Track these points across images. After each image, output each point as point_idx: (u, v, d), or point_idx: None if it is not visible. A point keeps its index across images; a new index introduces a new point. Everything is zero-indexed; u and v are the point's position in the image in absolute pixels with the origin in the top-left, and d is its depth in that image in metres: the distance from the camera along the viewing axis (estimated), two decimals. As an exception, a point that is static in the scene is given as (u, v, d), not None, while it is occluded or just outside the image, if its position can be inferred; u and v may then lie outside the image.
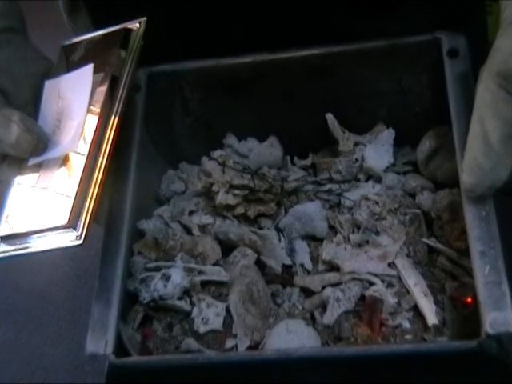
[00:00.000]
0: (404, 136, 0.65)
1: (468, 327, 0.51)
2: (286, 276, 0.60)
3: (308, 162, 0.68)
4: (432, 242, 0.57)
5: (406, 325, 0.54)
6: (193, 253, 0.61)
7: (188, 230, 0.64)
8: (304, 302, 0.58)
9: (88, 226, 0.52)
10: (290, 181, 0.65)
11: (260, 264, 0.60)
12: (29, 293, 1.73)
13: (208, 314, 0.57)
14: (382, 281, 0.56)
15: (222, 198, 0.62)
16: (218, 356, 0.53)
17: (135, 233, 0.62)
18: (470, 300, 0.52)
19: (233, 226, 0.62)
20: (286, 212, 0.64)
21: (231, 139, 0.68)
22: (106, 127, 0.56)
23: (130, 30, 0.60)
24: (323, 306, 0.57)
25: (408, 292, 0.55)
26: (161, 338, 0.57)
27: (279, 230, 0.62)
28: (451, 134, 0.55)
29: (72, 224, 0.52)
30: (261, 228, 0.63)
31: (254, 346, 0.55)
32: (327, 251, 0.59)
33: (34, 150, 0.55)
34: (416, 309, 0.54)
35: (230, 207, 0.63)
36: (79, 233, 0.52)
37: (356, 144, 0.65)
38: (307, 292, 0.59)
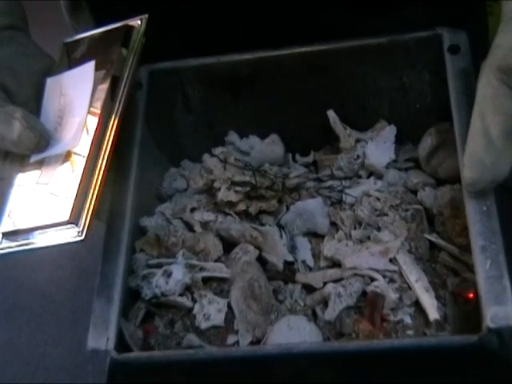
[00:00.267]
0: (405, 133, 0.65)
1: (469, 323, 0.51)
2: (288, 272, 0.60)
3: (309, 159, 0.68)
4: (433, 237, 0.57)
5: (408, 320, 0.54)
6: (194, 249, 0.61)
7: (190, 227, 0.64)
8: (306, 299, 0.58)
9: (89, 222, 0.52)
10: (292, 177, 0.65)
11: (262, 261, 0.60)
12: (29, 292, 1.72)
13: (209, 310, 0.57)
14: (384, 276, 0.56)
15: (224, 194, 0.62)
16: (220, 351, 0.53)
17: (137, 230, 0.62)
18: (471, 296, 0.52)
19: (234, 222, 0.62)
20: (287, 209, 0.64)
21: (233, 136, 0.68)
22: (107, 124, 0.56)
23: (131, 27, 0.61)
24: (325, 302, 0.57)
25: (409, 287, 0.55)
26: (162, 335, 0.57)
27: (281, 227, 0.63)
28: (452, 130, 0.55)
29: (74, 220, 0.52)
30: (262, 225, 0.63)
31: (256, 342, 0.55)
32: (329, 247, 0.59)
33: (36, 147, 0.55)
34: (417, 304, 0.54)
35: (231, 204, 0.63)
36: (81, 229, 0.52)
37: (357, 141, 0.66)
38: (309, 288, 0.59)
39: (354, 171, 0.65)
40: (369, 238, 0.59)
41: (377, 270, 0.56)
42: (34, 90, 0.58)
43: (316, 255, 0.61)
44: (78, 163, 0.54)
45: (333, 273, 0.58)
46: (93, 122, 0.55)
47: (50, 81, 0.59)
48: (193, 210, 0.65)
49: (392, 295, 0.54)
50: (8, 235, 0.54)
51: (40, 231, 0.53)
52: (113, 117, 0.56)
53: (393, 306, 0.54)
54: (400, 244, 0.57)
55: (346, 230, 0.60)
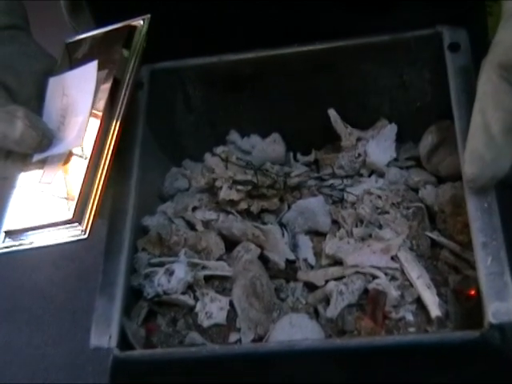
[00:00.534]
0: (406, 131, 0.65)
1: (471, 320, 0.51)
2: (290, 271, 0.60)
3: (311, 158, 0.68)
4: (435, 235, 0.58)
5: (410, 317, 0.54)
6: (196, 248, 0.61)
7: (191, 226, 0.64)
8: (307, 297, 0.59)
9: (93, 220, 0.52)
10: (293, 176, 0.65)
11: (263, 259, 0.61)
12: (29, 293, 1.73)
13: (212, 309, 0.57)
14: (385, 274, 0.56)
15: (226, 193, 0.63)
16: (222, 349, 0.54)
17: (139, 229, 0.62)
18: (473, 293, 0.53)
19: (236, 221, 0.62)
20: (288, 207, 0.64)
21: (234, 136, 0.68)
22: (110, 123, 0.56)
23: (133, 28, 0.61)
24: (326, 300, 0.57)
25: (411, 285, 0.55)
26: (165, 333, 0.57)
27: (282, 225, 0.63)
28: (453, 128, 0.55)
29: (77, 218, 0.52)
30: (264, 223, 0.63)
31: (258, 340, 0.56)
32: (330, 245, 0.59)
33: (39, 146, 0.55)
34: (419, 301, 0.54)
35: (233, 203, 0.63)
36: (84, 227, 0.52)
37: (358, 139, 0.66)
38: (310, 286, 0.59)
39: (356, 170, 0.65)
40: (370, 235, 0.59)
41: (378, 268, 0.56)
42: (36, 89, 0.58)
43: (318, 253, 0.61)
44: (81, 162, 0.54)
45: (334, 271, 0.58)
46: (95, 121, 0.56)
47: (52, 80, 0.59)
48: (194, 209, 0.65)
49: (394, 292, 0.54)
50: (11, 234, 0.54)
51: (43, 230, 0.53)
52: (115, 116, 0.56)
53: (394, 304, 0.54)
54: (401, 242, 0.57)
55: (348, 228, 0.61)
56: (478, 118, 0.48)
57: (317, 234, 0.62)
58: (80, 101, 0.57)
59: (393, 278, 0.56)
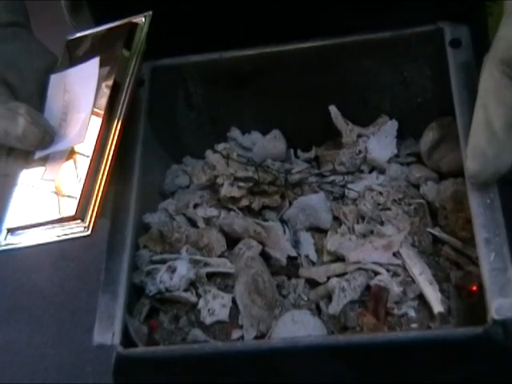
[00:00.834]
0: (407, 128, 0.65)
1: (473, 316, 0.51)
2: (291, 267, 0.60)
3: (311, 154, 0.68)
4: (436, 231, 0.58)
5: (412, 313, 0.54)
6: (198, 245, 0.61)
7: (193, 223, 0.64)
8: (309, 293, 0.59)
9: (95, 217, 0.52)
10: (294, 173, 0.65)
11: (265, 256, 0.60)
12: (29, 293, 1.72)
13: (214, 305, 0.57)
14: (387, 270, 0.56)
15: (227, 190, 0.63)
16: (225, 345, 0.54)
17: (140, 227, 0.62)
18: (475, 289, 0.53)
19: (237, 218, 0.62)
20: (290, 204, 0.64)
21: (235, 133, 0.68)
22: (111, 120, 0.56)
23: (134, 25, 0.61)
24: (329, 297, 0.57)
25: (413, 281, 0.55)
26: (167, 330, 0.57)
27: (284, 222, 0.63)
28: (454, 124, 0.55)
29: (80, 215, 0.52)
30: (265, 220, 0.63)
31: (261, 337, 0.55)
32: (332, 242, 0.59)
33: (41, 143, 0.55)
34: (421, 298, 0.54)
35: (234, 199, 0.63)
36: (87, 224, 0.52)
37: (359, 136, 0.66)
38: (312, 283, 0.59)
39: (356, 166, 0.65)
40: (372, 232, 0.59)
41: (380, 264, 0.56)
42: (38, 86, 0.58)
43: (319, 250, 0.61)
44: (83, 158, 0.54)
45: (336, 267, 0.58)
46: (97, 118, 0.56)
47: (53, 77, 0.59)
48: (196, 205, 0.65)
49: (396, 289, 0.54)
50: (13, 231, 0.54)
51: (45, 227, 0.53)
52: (117, 113, 0.56)
53: (397, 300, 0.54)
54: (403, 238, 0.57)
55: (349, 224, 0.61)
56: (480, 114, 0.48)
57: (318, 231, 0.62)
58: (82, 97, 0.57)
59: (395, 275, 0.56)
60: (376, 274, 0.56)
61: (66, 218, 0.52)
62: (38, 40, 0.62)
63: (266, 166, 0.64)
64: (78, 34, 0.63)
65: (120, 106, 0.57)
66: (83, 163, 0.54)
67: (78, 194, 0.52)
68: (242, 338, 0.56)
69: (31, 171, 0.56)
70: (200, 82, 0.67)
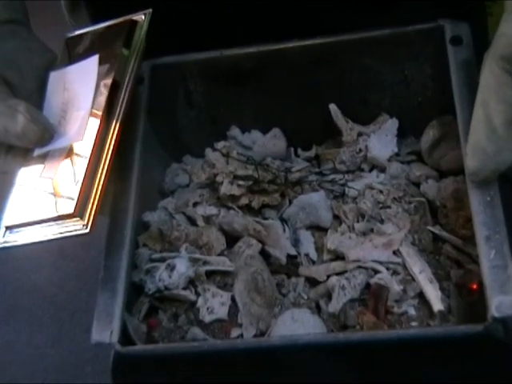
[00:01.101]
0: (407, 126, 0.65)
1: (473, 314, 0.51)
2: (291, 266, 0.60)
3: (311, 153, 0.68)
4: (437, 229, 0.57)
5: (412, 312, 0.54)
6: (197, 243, 0.61)
7: (192, 222, 0.64)
8: (309, 292, 0.58)
9: (95, 214, 0.52)
10: (294, 171, 0.65)
11: (265, 254, 0.60)
12: (29, 293, 1.72)
13: (213, 304, 0.57)
14: (387, 268, 0.56)
15: (226, 188, 0.62)
16: (224, 343, 0.53)
17: (140, 225, 0.62)
18: (475, 287, 0.52)
19: (237, 216, 0.62)
20: (290, 202, 0.64)
21: (235, 131, 0.68)
22: (111, 118, 0.56)
23: (134, 22, 0.61)
24: (328, 295, 0.57)
25: (413, 279, 0.55)
26: (166, 328, 0.57)
27: (283, 221, 0.63)
28: (455, 122, 0.55)
29: (78, 213, 0.52)
30: (265, 219, 0.63)
31: (260, 335, 0.55)
32: (332, 240, 0.59)
33: (40, 140, 0.55)
34: (421, 296, 0.54)
35: (234, 198, 0.63)
36: (85, 222, 0.52)
37: (360, 134, 0.66)
38: (312, 282, 0.59)
39: (357, 165, 0.65)
40: (372, 230, 0.59)
41: (380, 263, 0.56)
42: (37, 84, 0.58)
43: (319, 248, 0.61)
44: (82, 156, 0.54)
45: (336, 265, 0.58)
46: (97, 116, 0.55)
47: (53, 75, 0.59)
48: (195, 204, 0.65)
49: (396, 287, 0.54)
50: (12, 229, 0.54)
51: (44, 225, 0.53)
52: (116, 111, 0.56)
53: (397, 298, 0.54)
54: (403, 236, 0.57)
55: (349, 222, 0.60)
56: (480, 111, 0.48)
57: (318, 229, 0.62)
58: (81, 95, 0.57)
59: (395, 273, 0.56)
60: (376, 272, 0.56)
61: (64, 215, 0.52)
62: (37, 38, 0.62)
63: (266, 165, 0.64)
64: (78, 32, 0.63)
65: (119, 104, 0.57)
66: (82, 161, 0.54)
67: (76, 192, 0.52)
68: (241, 336, 0.55)
69: (30, 169, 0.56)
70: (200, 79, 0.67)
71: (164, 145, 0.68)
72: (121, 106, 0.57)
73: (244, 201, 0.63)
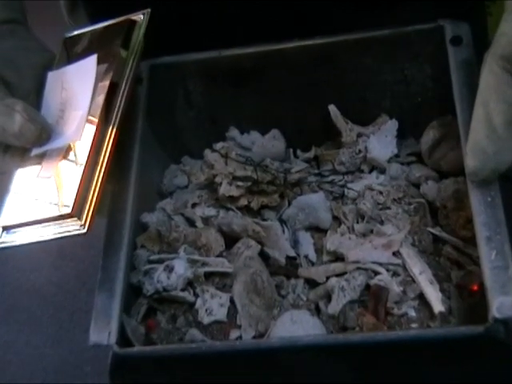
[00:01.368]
0: (407, 127, 0.65)
1: (474, 315, 0.51)
2: (290, 267, 0.60)
3: (311, 154, 0.68)
4: (437, 230, 0.57)
5: (412, 313, 0.54)
6: (196, 244, 0.61)
7: (191, 223, 0.63)
8: (308, 293, 0.58)
9: (92, 215, 0.52)
10: (293, 172, 0.65)
11: (264, 256, 0.60)
12: (28, 293, 1.72)
13: (212, 305, 0.56)
14: (387, 270, 0.55)
15: (225, 189, 0.62)
16: (223, 344, 0.53)
17: (138, 226, 0.61)
18: (476, 288, 0.52)
19: (236, 217, 0.62)
20: (289, 203, 0.63)
21: (234, 132, 0.68)
22: (109, 118, 0.56)
23: (133, 22, 0.60)
24: (328, 297, 0.57)
25: (413, 281, 0.55)
26: (165, 330, 0.57)
27: (283, 222, 0.62)
28: (455, 123, 0.55)
29: (76, 213, 0.51)
30: (264, 220, 0.63)
31: (259, 337, 0.55)
32: (331, 241, 0.59)
33: (38, 140, 0.55)
34: (422, 297, 0.54)
35: (233, 199, 0.63)
36: (83, 222, 0.52)
37: (359, 135, 0.65)
38: (312, 283, 0.59)
39: (356, 166, 0.65)
40: (372, 231, 0.59)
41: (380, 264, 0.56)
42: (35, 84, 0.58)
43: (318, 250, 0.61)
44: (80, 156, 0.54)
45: (336, 267, 0.58)
46: (95, 115, 0.55)
47: (51, 75, 0.59)
48: (194, 205, 0.64)
49: (396, 288, 0.54)
50: (9, 229, 0.54)
51: (42, 225, 0.52)
52: (115, 111, 0.56)
53: (397, 299, 0.54)
54: (403, 237, 0.57)
55: (349, 223, 0.60)
56: (480, 111, 0.48)
57: (317, 231, 0.62)
58: (79, 95, 0.57)
59: (395, 274, 0.55)
60: (376, 273, 0.56)
61: (62, 215, 0.52)
62: (35, 37, 0.62)
63: (265, 166, 0.64)
64: (76, 32, 0.63)
65: (118, 104, 0.56)
66: (80, 161, 0.54)
67: (74, 192, 0.52)
68: (240, 338, 0.55)
69: (27, 168, 0.56)
70: (199, 80, 0.67)
71: (163, 145, 0.68)
72: (119, 106, 0.56)
73: (243, 202, 0.62)
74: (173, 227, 0.62)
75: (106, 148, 0.54)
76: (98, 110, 0.56)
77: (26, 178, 0.55)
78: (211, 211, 0.63)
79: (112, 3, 0.64)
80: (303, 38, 0.63)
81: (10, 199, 0.55)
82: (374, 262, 0.56)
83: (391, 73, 0.64)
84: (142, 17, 0.60)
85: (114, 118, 0.56)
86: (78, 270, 1.72)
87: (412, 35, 0.61)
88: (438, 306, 0.52)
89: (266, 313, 0.56)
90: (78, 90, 0.57)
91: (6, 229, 0.54)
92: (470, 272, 0.54)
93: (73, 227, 0.52)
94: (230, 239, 0.61)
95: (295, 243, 0.61)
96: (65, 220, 0.52)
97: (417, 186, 0.61)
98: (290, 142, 0.68)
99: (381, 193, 0.61)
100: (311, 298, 0.58)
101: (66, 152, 0.55)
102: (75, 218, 0.51)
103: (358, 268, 0.56)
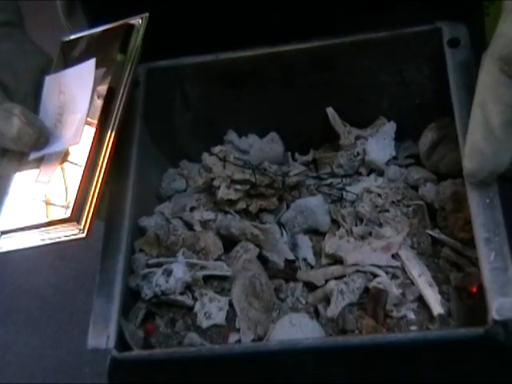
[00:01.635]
0: (405, 129, 0.64)
1: (473, 317, 0.51)
2: (289, 271, 0.60)
3: (309, 157, 0.68)
4: (436, 233, 0.57)
5: (411, 316, 0.53)
6: (194, 248, 0.61)
7: (189, 226, 0.63)
8: (307, 297, 0.58)
9: (91, 219, 0.52)
10: (292, 175, 0.65)
11: (262, 259, 0.60)
12: (27, 294, 1.72)
13: (211, 309, 0.56)
14: (386, 272, 0.55)
15: (224, 192, 0.62)
16: (222, 348, 0.53)
17: (136, 230, 0.61)
18: (475, 290, 0.52)
19: (234, 220, 0.62)
20: (287, 207, 0.63)
21: (232, 135, 0.68)
22: (107, 122, 0.56)
23: (131, 26, 0.60)
24: (327, 300, 0.57)
25: (412, 283, 0.55)
26: (163, 334, 0.57)
27: (281, 225, 0.62)
28: (453, 125, 0.54)
29: (75, 217, 0.51)
30: (263, 223, 0.63)
31: (258, 340, 0.55)
32: (330, 244, 0.59)
33: (36, 144, 0.55)
34: (421, 300, 0.54)
35: (231, 202, 0.62)
36: (82, 226, 0.51)
37: (357, 138, 0.65)
38: (310, 286, 0.59)
39: (355, 168, 0.65)
40: (370, 234, 0.59)
41: (379, 266, 0.56)
42: (32, 87, 0.58)
43: (317, 253, 0.60)
44: (79, 160, 0.54)
45: (334, 270, 0.58)
46: (93, 119, 0.55)
47: (48, 78, 0.59)
48: (192, 209, 0.64)
49: (395, 291, 0.54)
50: (8, 233, 0.54)
51: (40, 229, 0.52)
52: (113, 115, 0.56)
53: (396, 302, 0.54)
54: (402, 240, 0.57)
55: (347, 226, 0.60)
56: (478, 112, 0.48)
57: (316, 234, 0.62)
58: (77, 98, 0.57)
59: (394, 277, 0.55)
60: (375, 276, 0.56)
61: (61, 220, 0.52)
62: (32, 40, 0.62)
63: (263, 169, 0.64)
64: (73, 36, 0.63)
65: (116, 108, 0.56)
66: (78, 164, 0.53)
67: (73, 196, 0.52)
68: (239, 341, 0.55)
69: (26, 173, 0.56)
70: (197, 83, 0.66)
71: (161, 148, 0.68)
72: (117, 110, 0.56)
73: (241, 205, 0.62)
74: (171, 231, 0.62)
75: (105, 152, 0.54)
76: (96, 114, 0.55)
77: (25, 182, 0.55)
78: (209, 215, 0.63)
79: (110, 6, 0.64)
80: (300, 41, 0.63)
81: (8, 204, 0.55)
82: (372, 265, 0.56)
83: (389, 74, 0.64)
84: (140, 21, 0.60)
85: (112, 122, 0.56)
86: (76, 270, 1.72)
87: (410, 37, 0.61)
88: (437, 308, 0.52)
89: (264, 316, 0.56)
90: (76, 94, 0.57)
91: (4, 233, 0.54)
92: (469, 274, 0.54)
93: (72, 231, 0.52)
94: (229, 243, 0.61)
95: (294, 246, 0.61)
96: (64, 224, 0.52)
97: (415, 188, 0.61)
98: (288, 145, 0.68)
99: (379, 195, 0.61)
100: (310, 301, 0.58)
101: (64, 156, 0.55)
102: (74, 223, 0.51)
103: (357, 271, 0.56)
